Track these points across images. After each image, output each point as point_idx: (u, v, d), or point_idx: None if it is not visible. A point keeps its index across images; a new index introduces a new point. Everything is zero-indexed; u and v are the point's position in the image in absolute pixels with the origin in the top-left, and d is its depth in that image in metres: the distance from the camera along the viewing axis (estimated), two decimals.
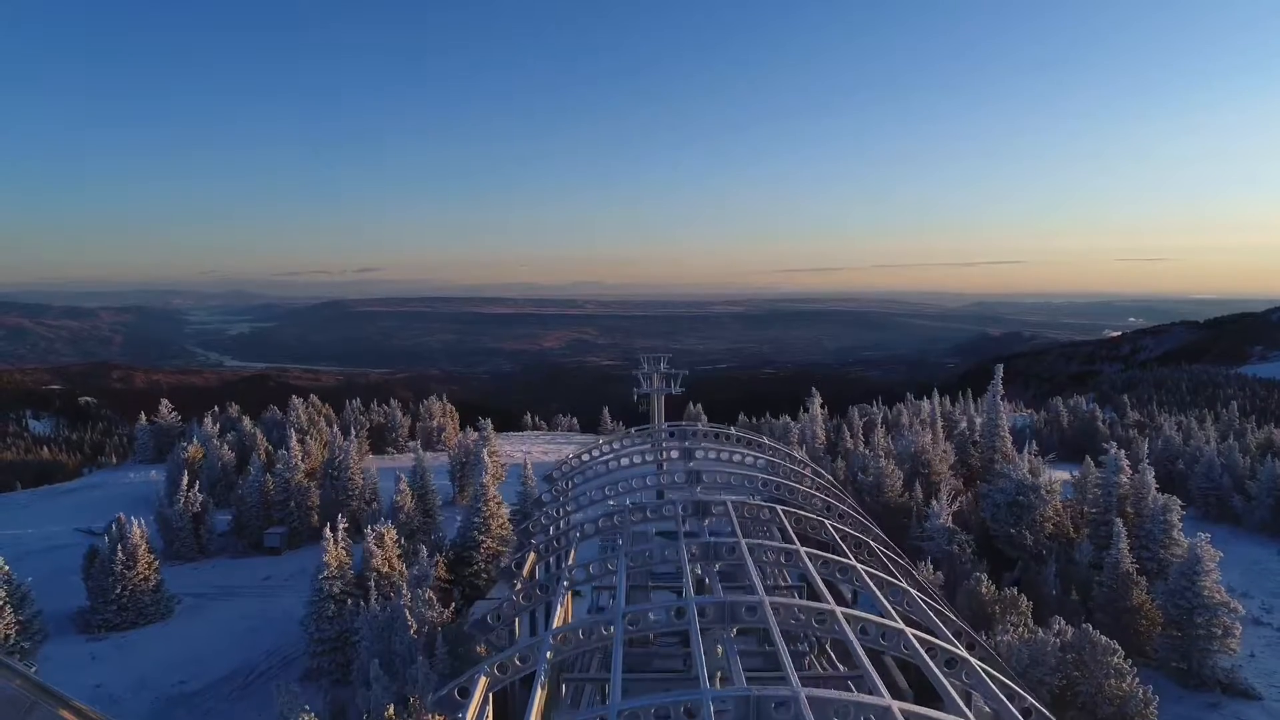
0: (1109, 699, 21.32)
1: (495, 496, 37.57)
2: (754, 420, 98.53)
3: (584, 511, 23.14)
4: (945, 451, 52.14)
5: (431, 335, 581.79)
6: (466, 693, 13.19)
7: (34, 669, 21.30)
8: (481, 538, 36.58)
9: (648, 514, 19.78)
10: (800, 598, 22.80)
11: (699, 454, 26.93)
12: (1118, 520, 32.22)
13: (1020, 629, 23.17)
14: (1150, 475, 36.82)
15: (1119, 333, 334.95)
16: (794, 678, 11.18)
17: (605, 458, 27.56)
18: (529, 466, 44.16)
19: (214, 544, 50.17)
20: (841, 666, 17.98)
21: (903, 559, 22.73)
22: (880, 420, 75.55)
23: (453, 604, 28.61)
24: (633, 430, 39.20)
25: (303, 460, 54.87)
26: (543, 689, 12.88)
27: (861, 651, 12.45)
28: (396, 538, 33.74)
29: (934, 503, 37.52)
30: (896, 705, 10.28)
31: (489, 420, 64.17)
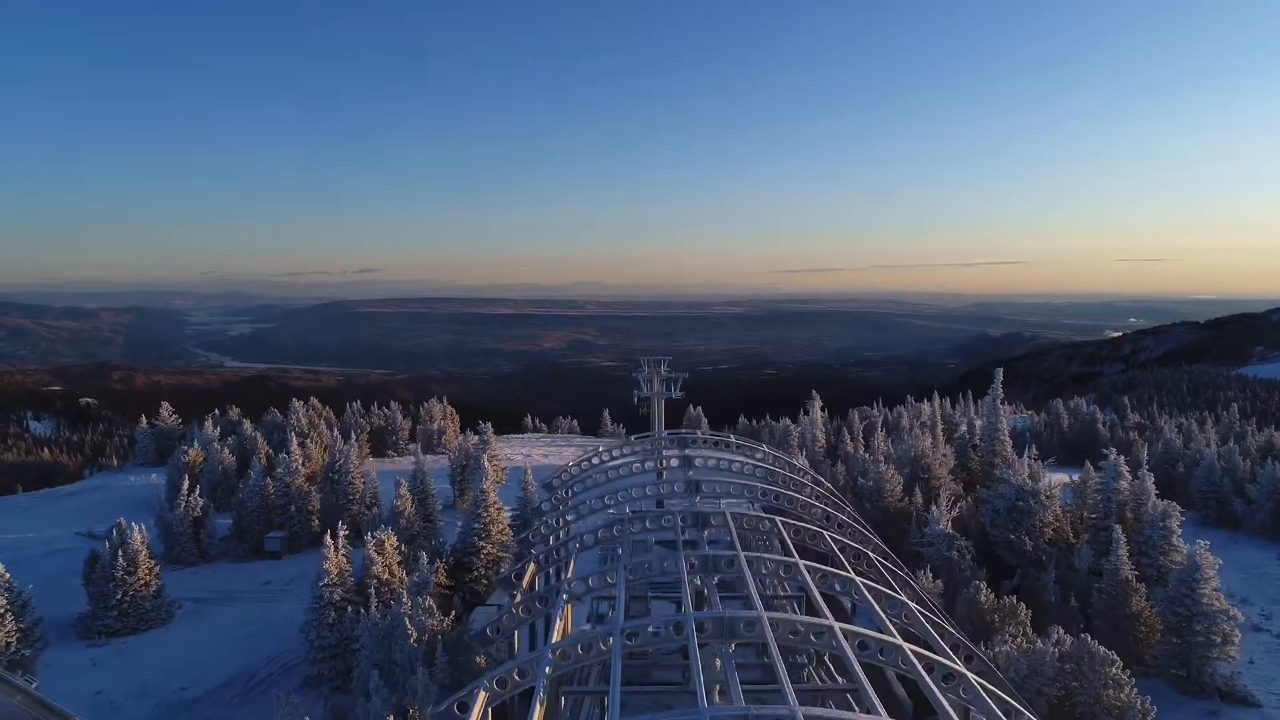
0: (1107, 709, 21.38)
1: (495, 503, 37.62)
2: (754, 422, 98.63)
3: (584, 521, 23.17)
4: (945, 456, 52.17)
5: (431, 336, 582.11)
6: (466, 707, 13.22)
7: (35, 684, 21.34)
8: (482, 544, 36.64)
9: (647, 524, 19.84)
10: (799, 608, 22.87)
11: (698, 462, 26.98)
12: (1117, 527, 32.25)
13: (1019, 639, 23.20)
14: (1150, 481, 36.87)
15: (1120, 333, 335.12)
16: (792, 697, 11.22)
17: (605, 466, 27.63)
18: (529, 472, 44.21)
19: (214, 548, 50.23)
20: (840, 679, 18.02)
21: (901, 569, 22.76)
22: (880, 423, 75.54)
23: (453, 612, 28.65)
24: (633, 438, 39.25)
25: (303, 464, 54.96)
26: (542, 704, 12.92)
27: (859, 668, 12.49)
28: (397, 544, 33.80)
29: (934, 508, 37.56)
30: None
31: (489, 424, 64.18)
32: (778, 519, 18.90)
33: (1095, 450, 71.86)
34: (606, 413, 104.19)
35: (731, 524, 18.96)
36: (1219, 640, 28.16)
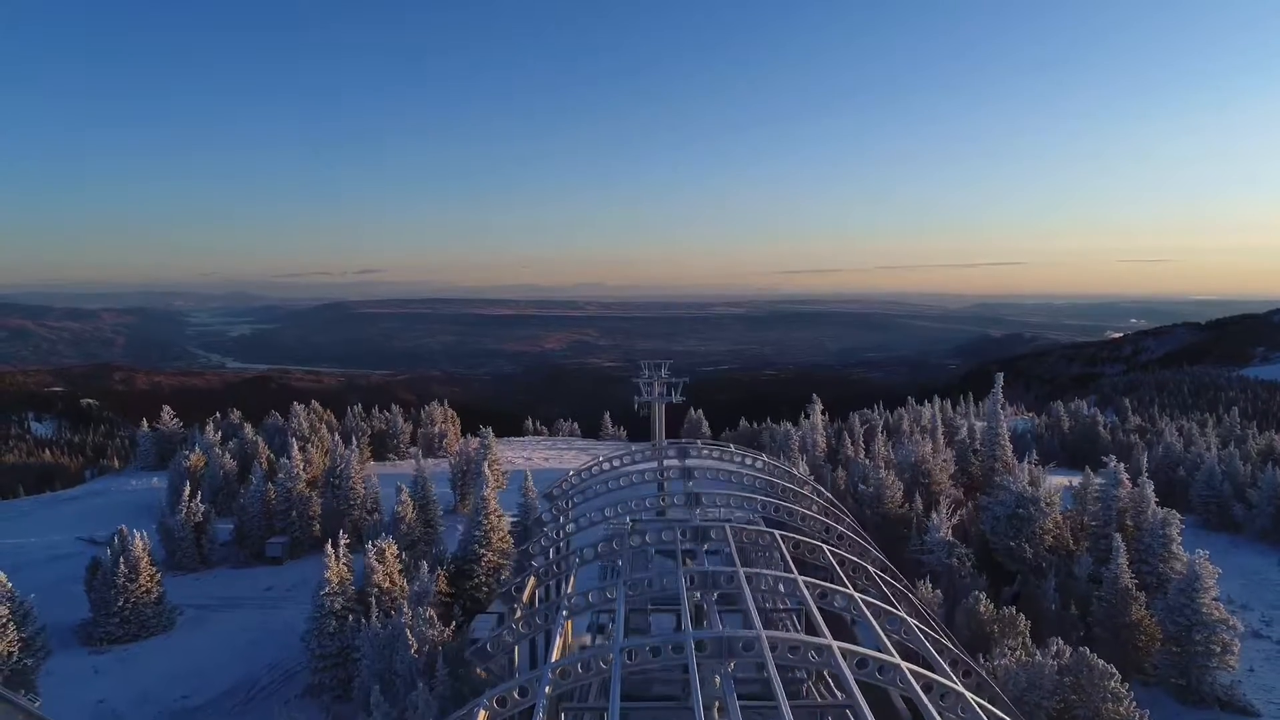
0: None
1: (496, 510, 37.67)
2: (755, 425, 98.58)
3: (584, 533, 23.20)
4: (946, 461, 52.21)
5: (433, 337, 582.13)
6: None
7: (37, 704, 21.35)
8: (483, 551, 36.69)
9: (647, 538, 19.89)
10: (800, 620, 22.93)
11: (699, 473, 27.01)
12: (1117, 536, 32.28)
13: (1018, 652, 23.23)
14: (1149, 489, 36.86)
15: (1121, 334, 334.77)
16: (789, 715, 11.30)
17: (605, 476, 27.66)
18: (529, 478, 44.23)
19: (216, 554, 50.30)
20: (840, 693, 18.03)
21: (901, 581, 22.80)
22: (881, 426, 75.57)
23: (454, 622, 28.69)
24: (634, 447, 39.28)
25: (304, 469, 55.03)
26: None
27: (856, 689, 12.56)
28: (398, 552, 33.84)
29: (934, 515, 37.59)
30: None
31: (490, 429, 64.20)
32: (777, 533, 18.94)
33: (1096, 453, 71.89)
34: (607, 415, 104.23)
35: (731, 538, 19.02)
36: (1218, 650, 28.19)
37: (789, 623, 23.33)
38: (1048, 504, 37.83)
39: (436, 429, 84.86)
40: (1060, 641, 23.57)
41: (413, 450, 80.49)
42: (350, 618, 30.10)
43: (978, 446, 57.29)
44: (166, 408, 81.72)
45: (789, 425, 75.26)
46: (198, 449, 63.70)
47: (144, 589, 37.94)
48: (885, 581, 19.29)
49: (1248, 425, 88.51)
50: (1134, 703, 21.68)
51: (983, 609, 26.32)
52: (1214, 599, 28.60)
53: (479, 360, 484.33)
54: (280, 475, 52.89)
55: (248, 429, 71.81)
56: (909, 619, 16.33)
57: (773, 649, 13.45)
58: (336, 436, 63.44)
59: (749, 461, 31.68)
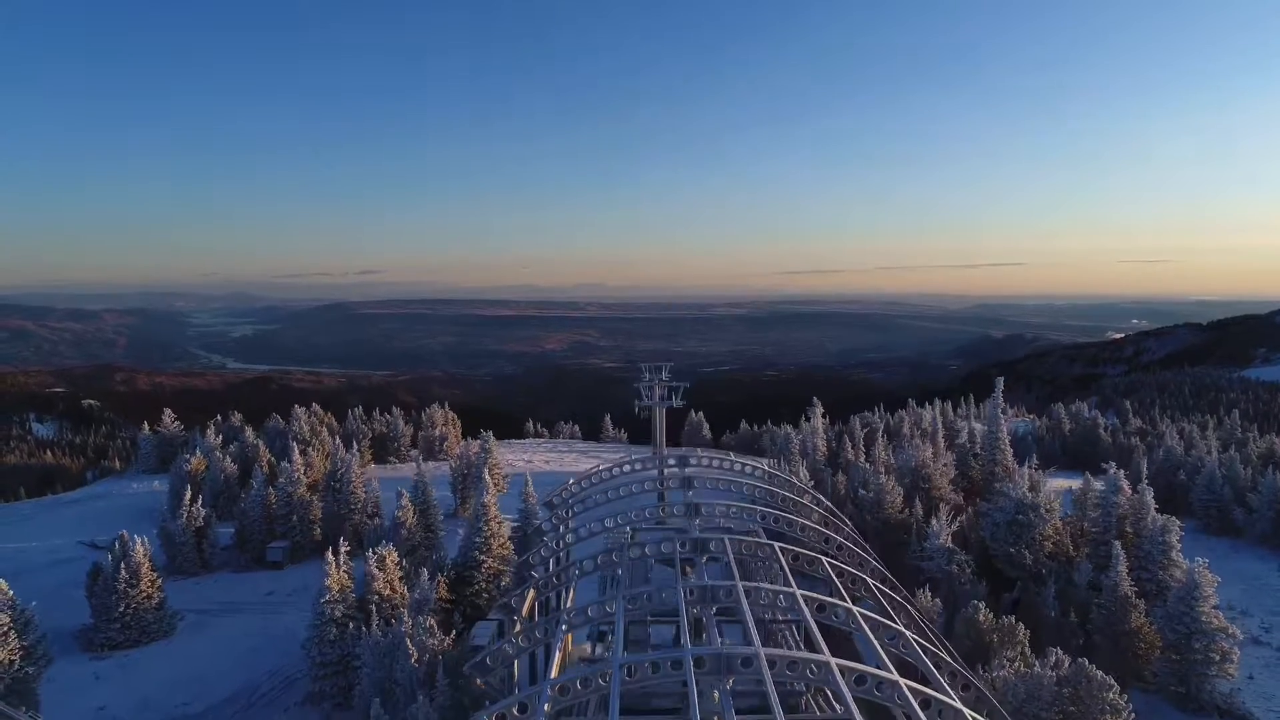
0: None
1: (496, 516, 37.68)
2: (755, 428, 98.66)
3: (584, 543, 23.24)
4: (946, 465, 52.22)
5: (433, 337, 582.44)
6: None
7: (38, 719, 21.33)
8: (483, 558, 36.71)
9: (646, 549, 19.92)
10: (799, 632, 22.95)
11: (698, 482, 27.04)
12: (1116, 544, 32.27)
13: (1016, 663, 23.24)
14: (1149, 496, 36.86)
15: (1122, 335, 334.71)
16: None
17: (605, 485, 27.70)
18: (530, 484, 44.26)
19: (217, 558, 50.31)
20: (838, 706, 18.06)
21: (900, 591, 22.82)
22: (882, 430, 75.59)
23: (454, 630, 28.72)
24: (633, 455, 39.33)
25: (305, 473, 55.04)
26: None
27: (854, 706, 12.60)
28: (398, 560, 33.86)
29: (934, 522, 37.58)
30: None
31: (490, 432, 64.24)
32: (776, 545, 18.97)
33: (1097, 455, 72.04)
34: (608, 418, 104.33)
35: (730, 551, 19.05)
36: (1218, 658, 28.22)
37: (789, 634, 23.38)
38: (1047, 510, 37.83)
39: (437, 432, 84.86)
40: (1059, 652, 23.57)
41: (413, 453, 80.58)
42: (351, 625, 30.12)
43: (978, 451, 57.30)
44: (167, 410, 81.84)
45: (789, 428, 75.31)
46: (199, 452, 63.76)
47: (145, 594, 37.98)
48: (884, 593, 19.31)
49: (1248, 428, 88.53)
50: (1133, 714, 21.70)
51: (982, 618, 26.34)
52: (1213, 607, 28.63)
53: (480, 361, 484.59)
54: (281, 479, 52.93)
55: (248, 432, 71.86)
56: (907, 632, 16.36)
57: (771, 666, 13.49)
58: (337, 440, 63.48)
59: (749, 470, 31.68)
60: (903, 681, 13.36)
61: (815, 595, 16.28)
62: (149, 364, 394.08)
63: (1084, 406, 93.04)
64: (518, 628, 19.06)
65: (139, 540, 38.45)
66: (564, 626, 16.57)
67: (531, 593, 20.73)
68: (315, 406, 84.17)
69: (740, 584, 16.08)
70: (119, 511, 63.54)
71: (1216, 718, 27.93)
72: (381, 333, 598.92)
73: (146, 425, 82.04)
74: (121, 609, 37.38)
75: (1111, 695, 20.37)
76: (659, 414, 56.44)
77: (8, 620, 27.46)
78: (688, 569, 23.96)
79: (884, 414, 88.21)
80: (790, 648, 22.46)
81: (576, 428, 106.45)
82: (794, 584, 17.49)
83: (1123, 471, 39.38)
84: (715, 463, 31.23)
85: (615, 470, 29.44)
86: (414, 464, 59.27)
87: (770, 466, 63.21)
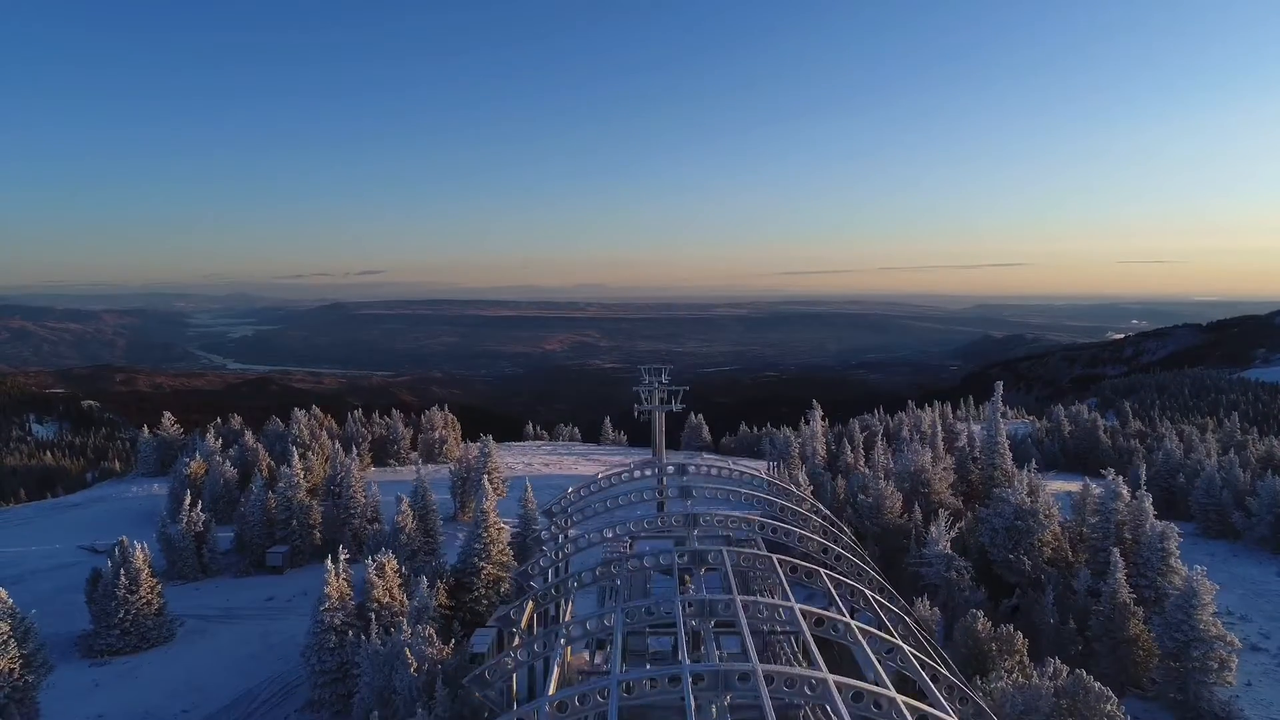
0: None
1: (496, 523, 37.75)
2: (755, 430, 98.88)
3: (583, 554, 23.30)
4: (946, 470, 52.26)
5: (434, 338, 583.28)
6: None
7: None
8: (482, 564, 36.77)
9: (645, 561, 19.98)
10: (797, 644, 23.01)
11: (696, 492, 27.10)
12: (1115, 551, 32.27)
13: (1015, 675, 23.29)
14: (1148, 502, 36.85)
15: (1122, 335, 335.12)
16: None
17: (604, 495, 27.74)
18: (529, 490, 44.35)
19: (216, 563, 50.40)
20: None
21: (898, 601, 22.88)
22: (881, 433, 75.69)
23: (453, 639, 28.77)
24: (632, 464, 39.36)
25: (305, 477, 55.15)
26: None
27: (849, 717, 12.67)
28: (398, 567, 33.91)
29: (933, 528, 37.62)
30: None
31: (490, 436, 64.31)
32: (774, 558, 19.02)
33: (1097, 457, 72.17)
34: (608, 420, 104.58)
35: (728, 562, 19.10)
36: (1216, 666, 28.19)
37: (787, 646, 23.47)
38: (1046, 516, 37.86)
39: (437, 434, 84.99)
40: (1057, 661, 23.60)
41: (413, 456, 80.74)
42: (350, 633, 30.17)
43: (977, 455, 57.36)
44: (167, 413, 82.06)
45: (789, 431, 75.42)
46: (198, 456, 63.89)
47: (144, 600, 38.04)
48: (881, 605, 19.36)
49: (1248, 430, 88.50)
50: None
51: (980, 627, 26.38)
52: (1212, 615, 28.62)
53: (480, 361, 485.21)
54: (281, 484, 53.04)
55: (248, 435, 71.99)
56: (904, 646, 16.41)
57: (769, 682, 13.54)
58: (337, 444, 63.56)
59: (748, 478, 31.75)
60: (900, 699, 13.40)
61: (813, 610, 16.34)
62: (149, 364, 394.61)
63: (1084, 408, 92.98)
64: (516, 641, 19.10)
65: (139, 546, 38.54)
66: (562, 641, 16.63)
67: (530, 605, 20.78)
68: (315, 409, 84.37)
69: (738, 598, 16.14)
70: (119, 515, 63.71)
71: None
72: (382, 333, 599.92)
73: (146, 428, 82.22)
74: (121, 615, 37.44)
75: (1110, 707, 20.40)
76: (658, 419, 56.63)
77: (8, 629, 27.50)
78: (686, 579, 24.05)
79: (884, 416, 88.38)
80: (789, 660, 22.57)
81: (576, 430, 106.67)
82: (792, 597, 17.55)
83: (1121, 478, 39.37)
84: (715, 471, 31.27)
85: (614, 479, 29.50)
86: (414, 466, 59.39)
87: (770, 470, 63.38)
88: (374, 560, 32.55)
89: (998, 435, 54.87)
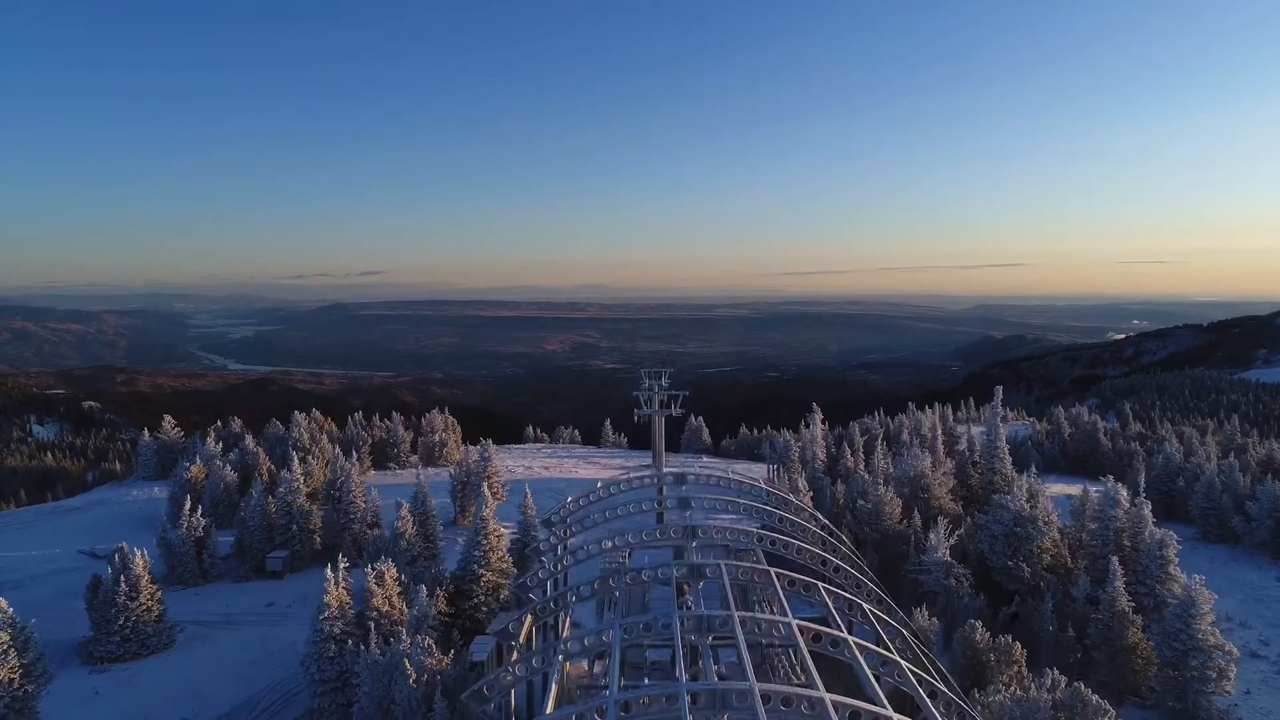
0: None
1: (495, 530, 37.74)
2: (755, 432, 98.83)
3: (582, 566, 23.32)
4: (945, 474, 52.29)
5: (434, 339, 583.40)
6: None
7: None
8: (482, 571, 36.77)
9: (644, 574, 20.01)
10: (795, 656, 22.99)
11: (695, 502, 27.14)
12: (1114, 559, 32.28)
13: (1013, 687, 23.31)
14: (1147, 509, 36.87)
15: (1123, 335, 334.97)
16: None
17: (603, 505, 27.79)
18: (529, 496, 44.36)
19: (216, 568, 50.37)
20: None
21: (896, 614, 22.90)
22: (881, 436, 75.68)
23: (452, 648, 28.78)
24: (632, 471, 39.40)
25: (305, 482, 55.15)
26: None
27: None
28: (397, 575, 33.91)
29: (932, 535, 37.64)
30: None
31: (490, 440, 64.29)
32: (773, 571, 19.04)
33: (1097, 459, 72.17)
34: (608, 423, 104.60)
35: (726, 577, 19.13)
36: (1215, 675, 28.23)
37: (786, 657, 23.50)
38: (1045, 523, 37.87)
39: (437, 437, 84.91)
40: (1055, 673, 23.64)
41: (413, 459, 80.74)
42: (350, 642, 30.18)
43: (977, 459, 57.37)
44: (167, 417, 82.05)
45: (789, 435, 75.40)
46: (199, 460, 63.88)
47: (144, 607, 38.02)
48: (880, 618, 19.38)
49: (1248, 432, 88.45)
50: None
51: (979, 637, 26.41)
52: (1210, 624, 28.64)
53: (481, 362, 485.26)
54: (281, 488, 53.04)
55: (248, 439, 71.98)
56: (902, 661, 16.43)
57: (765, 701, 13.56)
58: (337, 448, 63.59)
59: (746, 488, 31.77)
60: (897, 717, 13.44)
61: (810, 625, 16.37)
62: (150, 365, 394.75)
63: (1084, 410, 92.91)
64: (515, 655, 19.12)
65: (139, 551, 38.54)
66: (560, 657, 16.66)
67: (529, 619, 20.81)
68: (315, 412, 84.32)
69: (736, 614, 16.17)
70: (119, 519, 63.68)
71: None
72: (382, 334, 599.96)
73: (146, 431, 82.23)
74: (121, 622, 37.43)
75: None
76: (658, 423, 56.68)
77: (8, 639, 27.52)
78: (685, 589, 24.08)
79: (884, 418, 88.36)
80: (787, 674, 22.61)
81: (576, 432, 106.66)
82: (790, 611, 17.58)
83: (1120, 483, 39.39)
84: (714, 480, 31.29)
85: (614, 489, 29.54)
86: (414, 470, 59.39)
87: (770, 474, 63.35)
88: (373, 569, 32.55)
89: (997, 440, 54.91)
